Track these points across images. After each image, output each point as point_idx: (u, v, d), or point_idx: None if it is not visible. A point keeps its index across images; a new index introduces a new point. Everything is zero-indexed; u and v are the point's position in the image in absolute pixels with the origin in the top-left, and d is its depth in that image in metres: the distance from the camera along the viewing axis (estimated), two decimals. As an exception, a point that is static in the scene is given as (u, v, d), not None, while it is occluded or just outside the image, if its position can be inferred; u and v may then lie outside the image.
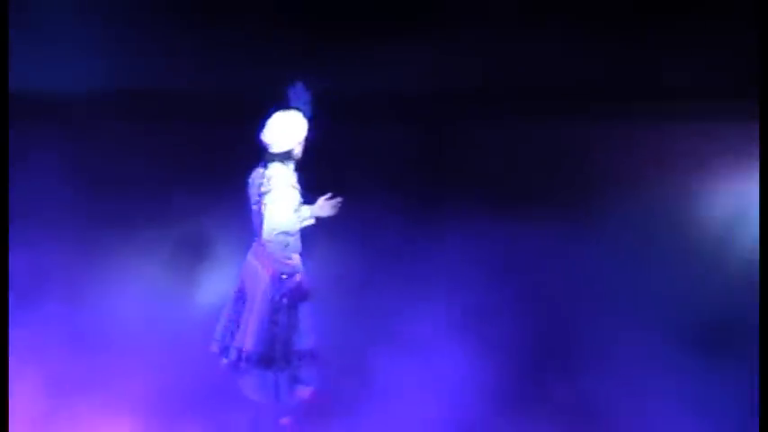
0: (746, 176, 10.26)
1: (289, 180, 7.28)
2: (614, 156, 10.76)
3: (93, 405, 7.53)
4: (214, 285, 8.54)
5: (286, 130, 7.29)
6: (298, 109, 7.40)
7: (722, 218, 10.19)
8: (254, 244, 7.39)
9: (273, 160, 7.29)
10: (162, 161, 10.16)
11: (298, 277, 7.34)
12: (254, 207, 7.35)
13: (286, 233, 7.21)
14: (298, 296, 7.35)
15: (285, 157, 7.31)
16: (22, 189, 9.51)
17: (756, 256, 9.01)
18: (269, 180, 7.25)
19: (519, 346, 8.52)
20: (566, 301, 9.17)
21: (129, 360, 8.05)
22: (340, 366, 7.85)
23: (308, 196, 7.44)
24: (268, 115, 7.35)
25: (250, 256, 7.42)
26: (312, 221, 7.46)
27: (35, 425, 7.36)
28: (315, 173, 7.43)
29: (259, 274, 7.32)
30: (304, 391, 7.45)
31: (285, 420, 7.50)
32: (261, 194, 7.26)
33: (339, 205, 7.44)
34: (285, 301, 7.30)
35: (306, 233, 7.45)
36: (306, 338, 7.41)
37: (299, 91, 7.49)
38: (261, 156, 7.36)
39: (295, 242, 7.32)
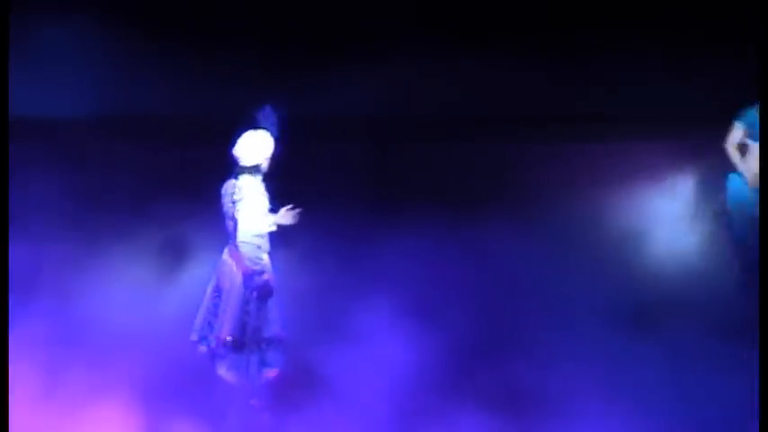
0: (659, 188, 10.45)
1: (258, 189, 7.36)
2: (548, 170, 10.90)
3: (87, 387, 7.52)
4: (193, 283, 8.50)
5: (255, 146, 7.40)
6: (266, 129, 7.49)
7: (638, 223, 10.20)
8: (229, 245, 7.44)
9: (244, 172, 7.38)
10: (146, 175, 10.08)
11: (266, 275, 7.40)
12: (229, 213, 7.40)
13: (257, 236, 7.32)
14: (266, 291, 7.40)
15: (254, 169, 7.39)
16: (23, 199, 9.54)
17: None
18: (240, 189, 7.33)
19: (460, 337, 8.49)
20: (502, 299, 9.16)
21: (118, 349, 8.03)
22: (298, 352, 7.84)
23: (273, 204, 7.48)
24: (240, 134, 7.45)
25: (225, 256, 7.48)
26: (274, 228, 7.52)
27: (34, 404, 7.36)
28: (279, 184, 7.50)
29: (233, 272, 7.40)
30: (270, 372, 7.49)
31: (254, 401, 7.52)
32: (234, 202, 7.34)
33: (298, 215, 7.51)
34: (255, 294, 7.37)
35: (272, 237, 7.50)
36: (272, 327, 7.47)
37: (267, 113, 7.55)
38: (233, 169, 7.43)
39: (264, 244, 7.42)
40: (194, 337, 7.56)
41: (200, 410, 7.53)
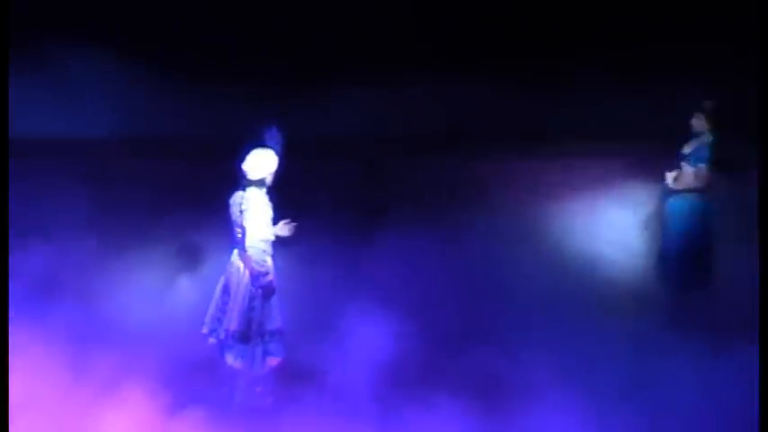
0: (613, 198, 10.57)
1: (263, 200, 7.42)
2: (517, 184, 10.99)
3: (111, 375, 7.49)
4: (203, 282, 8.51)
5: (261, 162, 7.45)
6: (271, 147, 7.54)
7: (596, 228, 10.32)
8: (237, 249, 7.47)
9: (250, 185, 7.43)
10: (162, 187, 10.09)
11: (270, 276, 7.45)
12: (237, 221, 7.43)
13: (263, 241, 7.38)
14: (270, 289, 7.44)
15: (260, 183, 7.44)
16: (52, 210, 9.64)
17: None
18: (247, 200, 7.38)
19: (439, 331, 8.58)
20: (476, 297, 9.21)
21: (138, 340, 8.06)
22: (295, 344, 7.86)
23: (275, 213, 7.51)
24: (247, 151, 7.50)
25: (233, 259, 7.50)
26: (273, 238, 7.54)
27: (63, 392, 7.35)
28: (282, 195, 7.55)
29: (241, 273, 7.43)
30: (273, 361, 7.53)
31: (259, 389, 7.53)
32: (242, 211, 7.38)
33: (294, 228, 7.55)
34: (260, 292, 7.41)
35: (275, 242, 7.53)
36: (274, 321, 7.51)
37: (273, 134, 7.65)
38: (240, 182, 7.48)
39: (269, 248, 7.46)
40: (205, 330, 7.58)
41: (209, 395, 7.52)
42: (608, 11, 12.99)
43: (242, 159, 7.48)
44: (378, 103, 12.47)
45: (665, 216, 9.30)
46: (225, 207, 7.59)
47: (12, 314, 7.48)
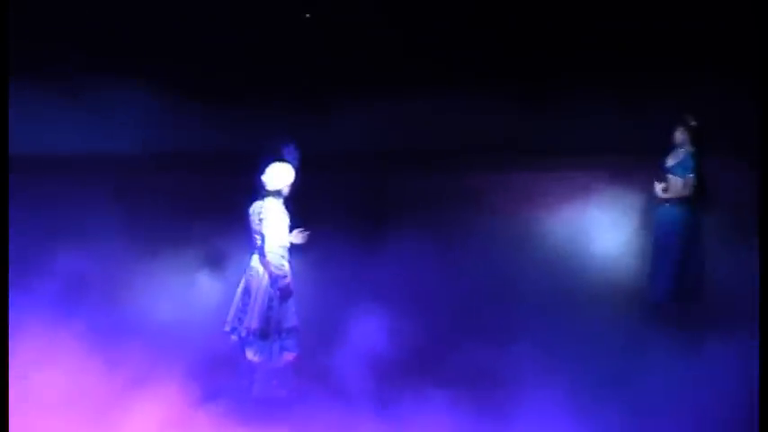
0: (597, 209, 10.51)
1: (280, 209, 7.34)
2: (511, 195, 10.98)
3: (142, 369, 7.44)
4: (226, 284, 8.46)
5: (279, 175, 7.36)
6: (288, 161, 7.52)
7: (580, 234, 10.34)
8: (257, 254, 7.38)
9: (269, 195, 7.35)
10: (188, 198, 10.19)
11: (287, 279, 7.37)
12: (256, 228, 7.35)
13: (281, 247, 7.32)
14: (287, 291, 7.37)
15: (277, 194, 7.36)
16: (84, 219, 9.61)
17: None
18: (265, 210, 7.30)
19: (440, 331, 8.56)
20: (471, 298, 9.14)
21: (166, 337, 8.00)
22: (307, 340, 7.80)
23: (292, 221, 7.42)
24: (266, 164, 7.42)
25: (253, 263, 7.41)
26: (289, 244, 7.45)
27: (95, 385, 7.28)
28: (297, 205, 7.50)
29: (260, 276, 7.36)
30: (289, 356, 7.47)
31: (275, 381, 7.46)
32: (261, 220, 7.31)
33: (308, 236, 7.48)
34: (278, 294, 7.33)
35: (292, 249, 7.46)
36: (291, 319, 7.44)
37: (291, 149, 7.63)
38: (259, 192, 7.40)
39: (286, 254, 7.40)
40: (227, 328, 7.50)
41: (231, 387, 7.49)
42: (597, 33, 13.06)
43: (261, 172, 7.41)
44: (384, 120, 12.57)
45: (657, 223, 9.16)
46: (245, 216, 7.50)
47: (49, 314, 7.52)
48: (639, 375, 7.54)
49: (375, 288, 8.82)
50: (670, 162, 9.07)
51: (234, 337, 7.48)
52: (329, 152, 11.05)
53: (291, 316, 7.45)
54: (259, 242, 7.37)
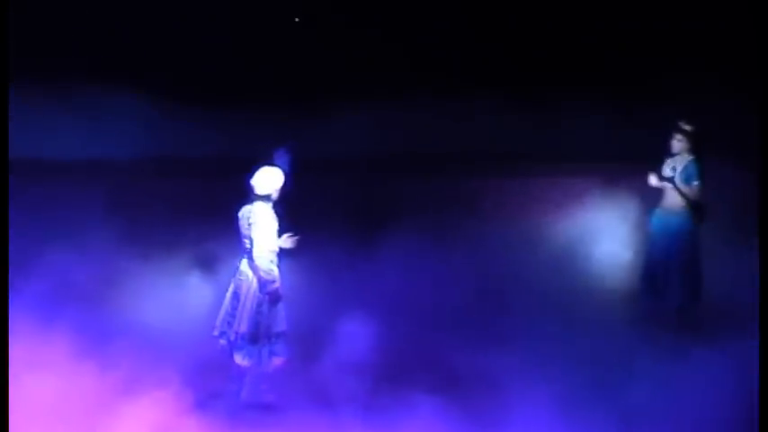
0: (591, 215, 10.47)
1: (269, 214, 7.25)
2: (500, 199, 10.95)
3: (133, 372, 7.40)
4: (215, 288, 8.42)
5: (268, 179, 7.28)
6: (278, 165, 7.41)
7: (571, 239, 10.31)
8: (246, 258, 7.31)
9: (258, 199, 7.26)
10: (179, 202, 10.16)
11: (276, 284, 7.28)
12: (245, 233, 7.28)
13: (270, 251, 7.24)
14: (276, 296, 7.28)
15: (266, 198, 7.27)
16: (80, 221, 9.56)
17: None
18: (254, 214, 7.22)
19: (431, 335, 8.50)
20: (457, 302, 9.08)
21: (155, 340, 7.98)
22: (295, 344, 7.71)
23: (281, 225, 7.32)
24: (256, 168, 7.33)
25: (243, 267, 7.33)
26: (278, 249, 7.38)
27: (88, 387, 7.18)
28: (286, 209, 7.40)
29: (250, 280, 7.27)
30: (278, 360, 7.37)
31: (264, 386, 7.38)
32: (250, 224, 7.22)
33: (297, 241, 7.41)
34: (267, 298, 7.25)
35: (280, 253, 7.36)
36: (280, 324, 7.34)
37: (281, 154, 7.57)
38: (248, 196, 7.31)
39: (275, 258, 7.31)
40: (216, 332, 7.41)
41: (220, 391, 7.41)
42: (594, 38, 13.09)
43: (250, 176, 7.33)
44: (378, 125, 12.60)
45: (658, 231, 9.04)
46: (235, 220, 7.42)
47: (40, 317, 7.46)
48: (638, 378, 7.49)
49: (366, 293, 8.78)
50: (669, 171, 8.94)
51: (223, 342, 7.40)
52: (321, 157, 11.03)
53: (281, 320, 7.37)
54: (248, 246, 7.30)
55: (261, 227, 7.20)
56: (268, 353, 7.33)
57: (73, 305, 8.05)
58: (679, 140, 8.88)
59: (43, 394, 6.88)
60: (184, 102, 12.73)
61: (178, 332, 8.13)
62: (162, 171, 11.30)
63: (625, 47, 13.42)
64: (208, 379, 7.55)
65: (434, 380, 7.63)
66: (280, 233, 7.37)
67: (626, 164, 10.17)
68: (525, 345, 8.06)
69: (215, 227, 8.56)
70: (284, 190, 7.37)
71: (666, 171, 8.94)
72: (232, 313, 7.35)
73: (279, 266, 7.37)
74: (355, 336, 8.05)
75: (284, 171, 7.39)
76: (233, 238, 7.49)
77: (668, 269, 8.90)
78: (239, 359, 7.33)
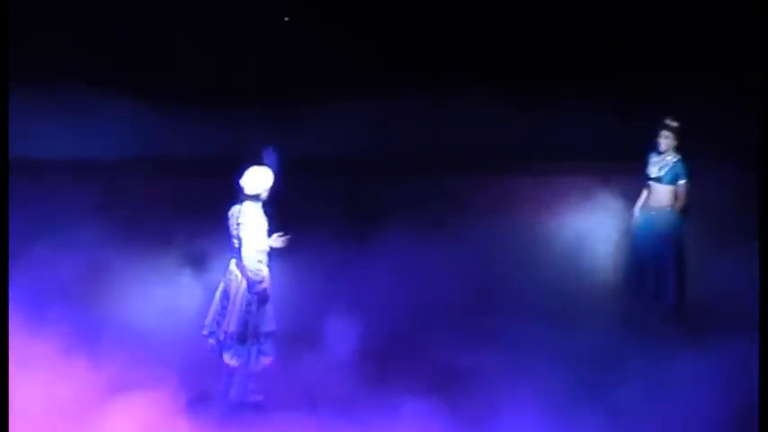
0: (579, 214, 10.44)
1: (258, 213, 7.20)
2: (489, 198, 10.91)
3: (122, 369, 7.33)
4: (205, 288, 8.37)
5: (257, 178, 7.22)
6: (267, 165, 7.37)
7: (559, 239, 10.26)
8: (235, 258, 7.26)
9: (247, 199, 7.20)
10: (169, 202, 10.14)
11: (265, 284, 7.25)
12: (234, 233, 7.23)
13: (258, 251, 7.19)
14: (264, 296, 7.24)
15: (255, 198, 7.21)
16: (75, 221, 9.49)
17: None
18: (243, 214, 7.17)
19: (417, 336, 8.42)
20: (448, 301, 9.00)
21: (144, 342, 7.90)
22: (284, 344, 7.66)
23: (270, 225, 7.28)
24: (245, 168, 7.27)
25: (232, 267, 7.29)
26: (267, 248, 7.34)
27: (80, 385, 7.14)
28: (276, 209, 7.34)
29: (239, 280, 7.23)
30: (266, 360, 7.34)
31: (252, 386, 7.34)
32: (239, 224, 7.18)
33: (287, 240, 7.36)
34: (256, 298, 7.20)
35: (269, 253, 7.31)
36: (269, 323, 7.31)
37: (270, 153, 7.51)
38: (237, 196, 7.25)
39: (264, 258, 7.27)
40: (205, 331, 7.37)
41: (208, 391, 7.37)
42: (586, 37, 13.09)
43: (239, 176, 7.28)
44: (367, 124, 12.60)
45: (646, 230, 8.98)
46: (225, 219, 7.36)
47: (26, 317, 7.32)
48: (628, 377, 7.45)
49: (356, 292, 8.71)
50: (654, 171, 8.89)
51: (212, 341, 7.36)
52: (311, 156, 11.01)
53: (269, 320, 7.33)
54: (237, 246, 7.25)
55: (249, 227, 7.15)
56: (257, 352, 7.28)
57: (62, 304, 7.99)
58: (666, 138, 8.82)
59: (31, 393, 6.82)
60: (174, 101, 12.73)
61: (167, 331, 8.08)
62: (152, 170, 11.27)
63: (622, 46, 13.40)
64: (196, 378, 7.48)
65: (423, 379, 7.58)
66: (270, 232, 7.33)
67: (619, 164, 10.15)
68: (514, 344, 8.00)
69: (205, 226, 8.51)
70: (274, 189, 7.31)
71: (653, 172, 8.89)
72: (221, 313, 7.31)
73: (269, 266, 7.32)
74: (345, 335, 8.00)
75: (273, 170, 7.34)
76: (223, 238, 7.42)
77: (653, 268, 8.88)
78: (228, 359, 7.28)
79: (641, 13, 13.51)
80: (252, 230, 7.15)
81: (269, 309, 7.31)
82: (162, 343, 7.90)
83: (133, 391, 7.06)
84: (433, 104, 13.07)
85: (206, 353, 7.41)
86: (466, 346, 8.12)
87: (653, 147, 8.89)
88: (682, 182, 8.81)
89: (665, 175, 8.84)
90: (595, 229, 10.18)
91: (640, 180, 9.02)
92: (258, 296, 7.21)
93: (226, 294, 7.32)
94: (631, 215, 9.11)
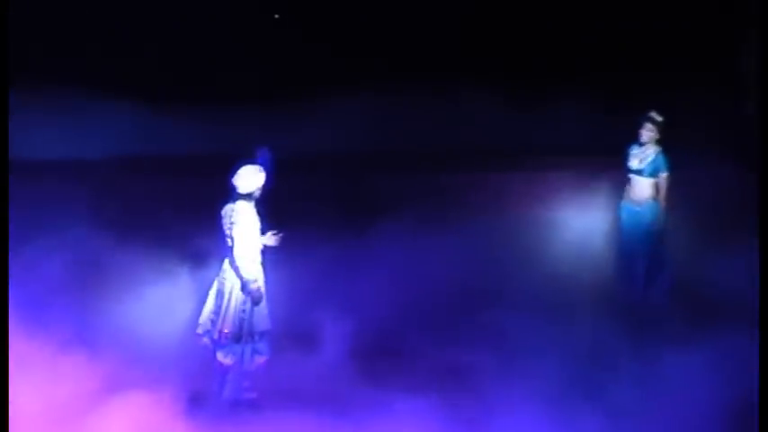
0: (569, 207, 10.40)
1: (251, 212, 7.18)
2: (483, 194, 10.87)
3: (117, 369, 7.33)
4: (199, 287, 8.22)
5: (250, 177, 7.18)
6: (260, 164, 7.31)
7: (552, 233, 10.21)
8: (228, 257, 7.23)
9: (240, 198, 7.17)
10: (163, 201, 10.12)
11: (258, 283, 7.21)
12: (227, 232, 7.20)
13: (252, 251, 7.16)
14: (258, 295, 7.21)
15: (248, 196, 7.18)
16: (69, 220, 9.46)
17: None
18: (236, 213, 7.14)
19: (413, 333, 8.36)
20: (446, 297, 9.01)
21: (138, 342, 7.87)
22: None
23: (263, 225, 7.27)
24: (238, 167, 7.23)
25: (225, 266, 7.26)
26: (261, 247, 7.31)
27: (77, 384, 7.11)
28: (269, 208, 7.33)
29: (233, 280, 7.21)
30: (261, 359, 7.32)
31: (246, 385, 7.34)
32: (232, 223, 7.15)
33: (280, 239, 7.35)
34: (250, 296, 7.18)
35: (263, 252, 7.30)
36: (263, 323, 7.28)
37: (263, 152, 7.47)
38: (230, 195, 7.22)
39: (257, 257, 7.25)
40: (199, 330, 7.35)
41: (202, 390, 7.34)
42: (577, 33, 13.08)
43: (232, 175, 7.23)
44: (360, 120, 12.59)
45: (627, 225, 8.96)
46: (220, 218, 7.32)
47: (22, 317, 7.25)
48: (623, 374, 7.43)
49: (351, 290, 8.69)
50: (636, 164, 8.87)
51: (206, 340, 7.33)
52: (308, 153, 11.00)
53: (264, 319, 7.30)
54: (231, 245, 7.22)
55: (242, 226, 7.13)
56: (251, 351, 7.25)
57: (59, 304, 7.97)
58: (649, 130, 8.79)
59: (26, 392, 6.79)
60: (168, 100, 12.75)
61: (162, 330, 8.02)
62: (146, 169, 11.27)
63: (618, 44, 13.37)
64: (191, 377, 7.45)
65: (419, 377, 7.55)
66: (264, 231, 7.30)
67: (616, 158, 10.09)
68: (510, 341, 7.97)
69: (200, 225, 8.45)
70: (267, 188, 7.27)
71: (634, 165, 8.86)
72: (216, 312, 7.29)
73: (263, 265, 7.28)
74: (340, 333, 7.98)
75: (266, 169, 7.30)
76: (218, 237, 7.38)
77: (638, 260, 8.86)
78: (222, 357, 7.26)
79: (641, 13, 13.48)
80: (245, 229, 7.12)
81: (263, 308, 7.28)
82: (156, 342, 7.86)
83: (128, 390, 7.03)
84: (428, 102, 13.08)
85: (200, 352, 7.37)
86: (461, 343, 8.11)
87: (634, 139, 8.89)
88: (663, 174, 8.80)
89: (645, 168, 8.83)
90: (593, 223, 10.15)
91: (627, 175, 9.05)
92: (252, 295, 7.18)
93: (220, 293, 7.29)
94: (614, 208, 9.13)
